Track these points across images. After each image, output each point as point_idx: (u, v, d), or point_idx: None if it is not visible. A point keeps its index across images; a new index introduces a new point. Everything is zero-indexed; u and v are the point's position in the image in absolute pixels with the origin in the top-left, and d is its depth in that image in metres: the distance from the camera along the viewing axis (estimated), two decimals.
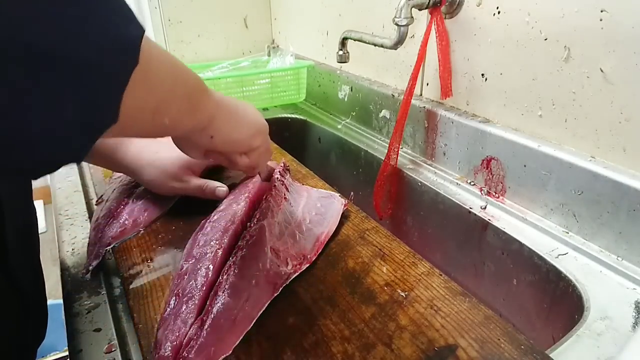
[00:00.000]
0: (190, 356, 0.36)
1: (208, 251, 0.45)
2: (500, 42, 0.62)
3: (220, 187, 0.58)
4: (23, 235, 0.47)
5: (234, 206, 0.52)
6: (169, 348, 0.36)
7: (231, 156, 0.47)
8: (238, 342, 0.38)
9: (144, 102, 0.30)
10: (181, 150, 0.45)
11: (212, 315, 0.38)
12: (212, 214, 0.52)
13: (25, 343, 0.48)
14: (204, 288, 0.41)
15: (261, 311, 0.41)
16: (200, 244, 0.47)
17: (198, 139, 0.41)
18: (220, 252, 0.45)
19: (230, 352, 0.37)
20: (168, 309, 0.40)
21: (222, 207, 0.54)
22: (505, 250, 0.60)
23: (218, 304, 0.39)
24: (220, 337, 0.38)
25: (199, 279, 0.42)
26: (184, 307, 0.40)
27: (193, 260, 0.45)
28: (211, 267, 0.43)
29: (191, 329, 0.38)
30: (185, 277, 0.43)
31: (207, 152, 0.44)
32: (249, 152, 0.48)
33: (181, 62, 0.35)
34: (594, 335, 0.41)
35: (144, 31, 0.26)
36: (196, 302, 0.40)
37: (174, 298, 0.41)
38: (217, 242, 0.46)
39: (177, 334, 0.37)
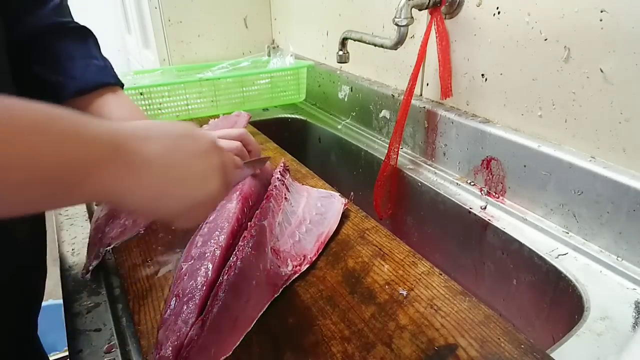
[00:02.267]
0: (190, 357, 0.36)
1: (207, 251, 0.45)
2: (500, 42, 0.62)
3: None
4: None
5: (228, 205, 0.52)
6: (170, 348, 0.36)
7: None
8: (238, 343, 0.38)
9: None
10: None
11: (213, 316, 0.38)
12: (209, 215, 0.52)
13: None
14: (204, 288, 0.41)
15: (261, 312, 0.41)
16: (199, 245, 0.47)
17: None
18: (218, 251, 0.45)
19: (231, 352, 0.37)
20: (168, 310, 0.40)
21: (217, 207, 0.54)
22: (505, 250, 0.60)
23: (219, 305, 0.39)
24: (221, 338, 0.38)
25: (199, 279, 0.42)
26: (184, 307, 0.40)
27: (192, 261, 0.45)
28: (210, 266, 0.43)
29: (192, 330, 0.38)
30: (185, 277, 0.43)
31: None
32: (188, 219, 0.35)
33: (46, 115, 0.23)
34: (594, 335, 0.41)
35: None
36: (197, 302, 0.40)
37: (174, 299, 0.41)
38: (215, 241, 0.46)
39: (178, 334, 0.37)
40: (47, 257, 0.56)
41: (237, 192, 0.54)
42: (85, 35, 0.57)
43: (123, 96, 0.57)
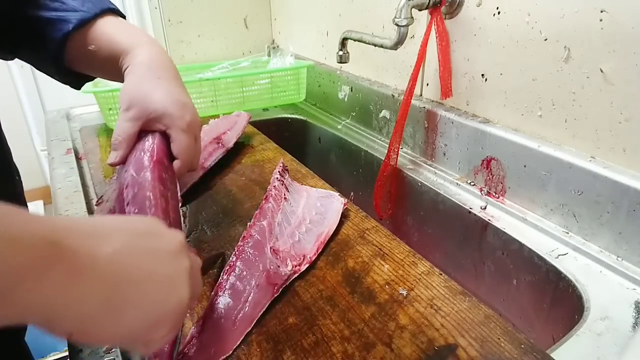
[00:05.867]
0: (190, 356, 0.36)
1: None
2: (500, 42, 0.62)
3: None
4: None
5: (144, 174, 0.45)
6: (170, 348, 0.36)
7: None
8: (238, 343, 0.38)
9: None
10: None
11: (213, 316, 0.38)
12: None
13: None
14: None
15: (261, 312, 0.41)
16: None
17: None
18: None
19: (231, 352, 0.37)
20: None
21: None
22: (505, 250, 0.60)
23: (218, 304, 0.39)
24: (221, 338, 0.38)
25: None
26: None
27: None
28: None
29: (192, 329, 0.38)
30: None
31: None
32: (148, 343, 0.28)
33: None
34: (594, 335, 0.41)
35: None
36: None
37: None
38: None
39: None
40: None
41: (148, 154, 0.47)
42: None
43: (124, 21, 0.56)
